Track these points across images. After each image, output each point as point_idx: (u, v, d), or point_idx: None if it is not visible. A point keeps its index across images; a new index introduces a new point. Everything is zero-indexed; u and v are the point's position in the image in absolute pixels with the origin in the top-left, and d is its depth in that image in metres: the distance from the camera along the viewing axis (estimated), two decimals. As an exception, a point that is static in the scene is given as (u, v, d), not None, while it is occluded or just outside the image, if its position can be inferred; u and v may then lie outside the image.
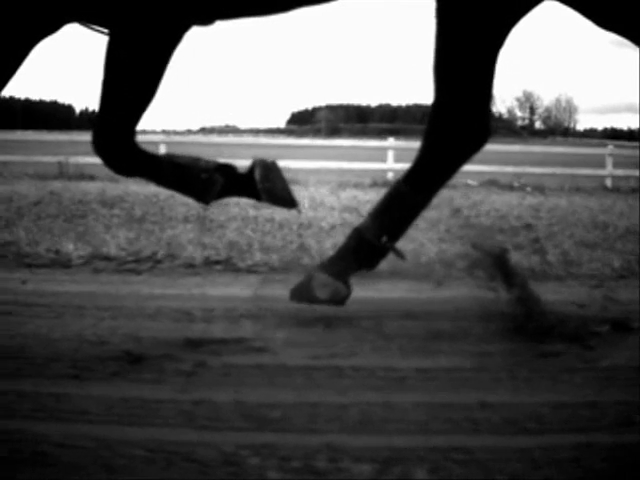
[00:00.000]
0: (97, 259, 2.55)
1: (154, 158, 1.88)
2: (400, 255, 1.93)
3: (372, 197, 5.89)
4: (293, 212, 4.75)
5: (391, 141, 9.52)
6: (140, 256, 2.58)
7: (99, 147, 1.82)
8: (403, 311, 2.03)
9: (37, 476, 1.07)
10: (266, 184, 1.86)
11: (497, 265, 2.00)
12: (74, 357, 1.59)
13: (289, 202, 1.91)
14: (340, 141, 15.14)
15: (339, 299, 1.87)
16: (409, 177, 1.93)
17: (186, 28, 1.81)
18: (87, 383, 1.45)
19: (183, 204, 4.53)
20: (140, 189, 5.15)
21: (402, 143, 8.84)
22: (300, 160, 8.40)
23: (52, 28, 1.81)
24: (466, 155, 1.95)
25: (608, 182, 8.88)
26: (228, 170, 1.89)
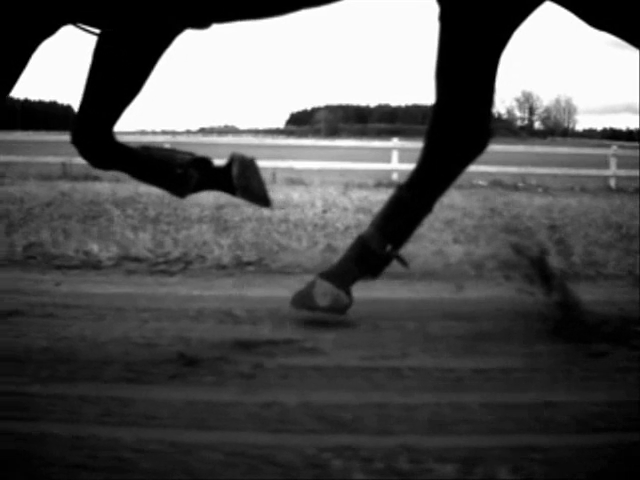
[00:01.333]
0: (127, 260, 2.54)
1: (131, 152, 1.87)
2: (404, 263, 1.92)
3: (383, 197, 5.91)
4: (310, 212, 4.74)
5: (395, 141, 9.55)
6: (169, 257, 2.57)
7: (78, 140, 1.82)
8: (444, 312, 2.04)
9: (121, 482, 1.06)
10: (242, 180, 1.86)
11: (536, 267, 2.01)
12: (126, 360, 1.58)
13: (263, 200, 1.91)
14: (344, 142, 15.16)
15: (340, 308, 1.87)
16: (411, 183, 1.93)
17: (177, 32, 1.82)
18: (147, 387, 1.43)
19: (196, 204, 4.51)
20: (150, 190, 5.13)
21: (407, 143, 8.85)
22: (304, 161, 8.41)
23: (51, 30, 1.81)
24: (468, 159, 1.95)
25: (612, 182, 8.96)
26: (204, 164, 1.89)
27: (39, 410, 1.30)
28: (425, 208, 1.94)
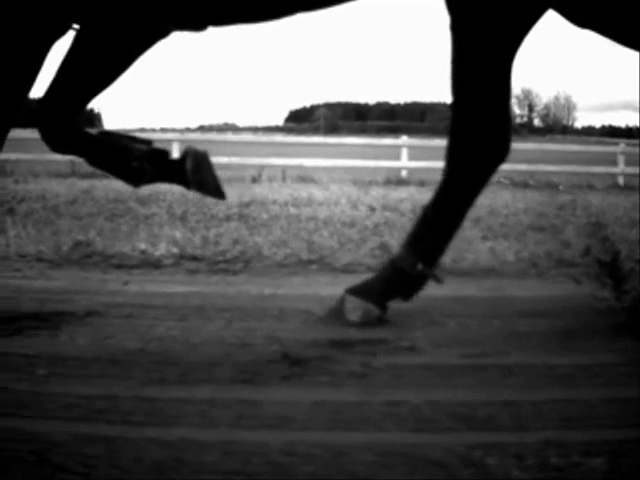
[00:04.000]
0: (184, 259, 2.51)
1: (91, 139, 1.87)
2: (438, 280, 1.92)
3: (402, 195, 5.91)
4: (333, 209, 4.72)
5: (405, 139, 9.57)
6: (228, 256, 2.54)
7: (42, 123, 1.81)
8: (521, 309, 2.05)
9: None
10: (196, 174, 1.87)
11: (610, 267, 2.04)
12: (231, 361, 1.56)
13: (217, 193, 1.92)
14: (349, 139, 15.10)
15: (371, 320, 1.87)
16: (437, 201, 1.93)
17: (163, 34, 1.83)
18: (265, 388, 1.42)
19: (224, 203, 4.48)
20: (170, 187, 5.08)
21: (416, 141, 8.87)
22: (314, 158, 8.39)
23: (63, 31, 1.82)
24: (490, 171, 1.95)
25: (620, 180, 9.07)
26: (160, 157, 1.90)
27: (166, 415, 1.28)
28: (454, 224, 1.94)
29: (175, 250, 2.56)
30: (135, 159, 1.85)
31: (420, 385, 1.45)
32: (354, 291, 1.90)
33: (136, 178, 1.89)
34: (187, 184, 1.88)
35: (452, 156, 1.93)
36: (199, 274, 2.36)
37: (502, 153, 1.95)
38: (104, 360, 1.57)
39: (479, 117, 1.89)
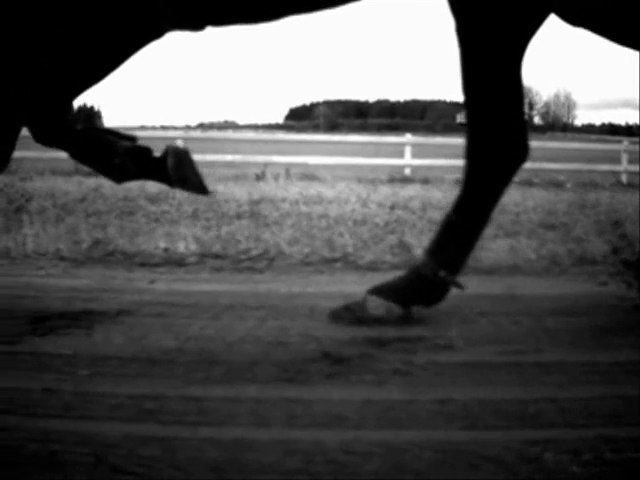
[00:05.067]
0: (207, 257, 2.50)
1: (77, 134, 1.87)
2: (460, 287, 1.92)
3: (410, 193, 5.90)
4: (345, 207, 4.71)
5: (408, 137, 9.57)
6: (251, 254, 2.53)
7: (29, 114, 1.79)
8: (550, 307, 2.05)
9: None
10: (178, 171, 1.89)
11: (636, 267, 2.05)
12: (273, 360, 1.55)
13: (201, 189, 1.94)
14: (356, 137, 15.12)
15: (393, 316, 1.87)
16: (458, 207, 1.93)
17: (159, 34, 1.83)
18: (312, 387, 1.42)
19: (234, 200, 4.47)
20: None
21: (420, 139, 8.87)
22: (318, 156, 8.37)
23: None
24: (511, 172, 1.95)
25: (623, 178, 9.11)
26: (143, 154, 1.90)
27: (217, 414, 1.27)
28: (477, 230, 1.93)
29: (198, 248, 2.55)
30: (118, 155, 1.86)
31: (463, 383, 1.45)
32: (376, 291, 1.90)
33: (119, 174, 1.90)
34: (169, 181, 1.90)
35: (472, 160, 1.92)
36: (224, 272, 2.35)
37: (522, 154, 1.95)
38: (143, 359, 1.56)
39: (495, 120, 1.90)
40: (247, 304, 1.99)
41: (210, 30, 1.88)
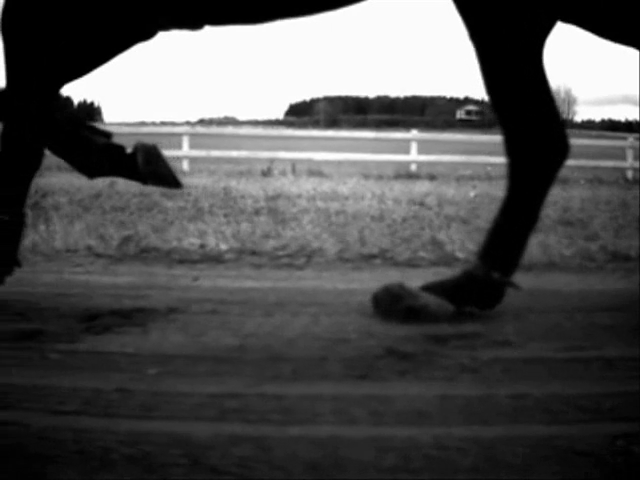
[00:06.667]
0: (245, 254, 2.49)
1: (57, 127, 1.88)
2: (515, 287, 1.93)
3: (423, 190, 5.93)
4: (364, 203, 4.71)
5: (414, 133, 9.58)
6: (289, 250, 2.53)
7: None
8: (599, 302, 2.07)
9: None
10: (149, 167, 1.90)
11: None
12: (337, 357, 1.55)
13: (173, 183, 1.96)
14: (364, 133, 15.13)
15: (446, 313, 1.88)
16: (506, 208, 1.94)
17: (149, 35, 1.83)
18: (385, 383, 1.42)
19: (249, 196, 4.45)
20: (189, 180, 5.04)
21: (426, 135, 8.87)
22: (324, 152, 8.35)
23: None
24: (554, 169, 1.95)
25: (629, 174, 9.17)
26: (116, 152, 1.91)
27: (302, 412, 1.27)
28: (525, 230, 1.95)
29: (232, 244, 2.54)
30: (94, 151, 1.86)
31: (533, 378, 1.46)
32: (427, 288, 1.91)
33: (93, 170, 1.91)
34: (141, 179, 1.91)
35: (514, 162, 1.93)
36: (264, 268, 2.35)
37: (562, 150, 1.96)
38: (209, 358, 1.55)
39: (529, 120, 1.90)
40: (297, 301, 1.98)
41: (209, 28, 1.87)
